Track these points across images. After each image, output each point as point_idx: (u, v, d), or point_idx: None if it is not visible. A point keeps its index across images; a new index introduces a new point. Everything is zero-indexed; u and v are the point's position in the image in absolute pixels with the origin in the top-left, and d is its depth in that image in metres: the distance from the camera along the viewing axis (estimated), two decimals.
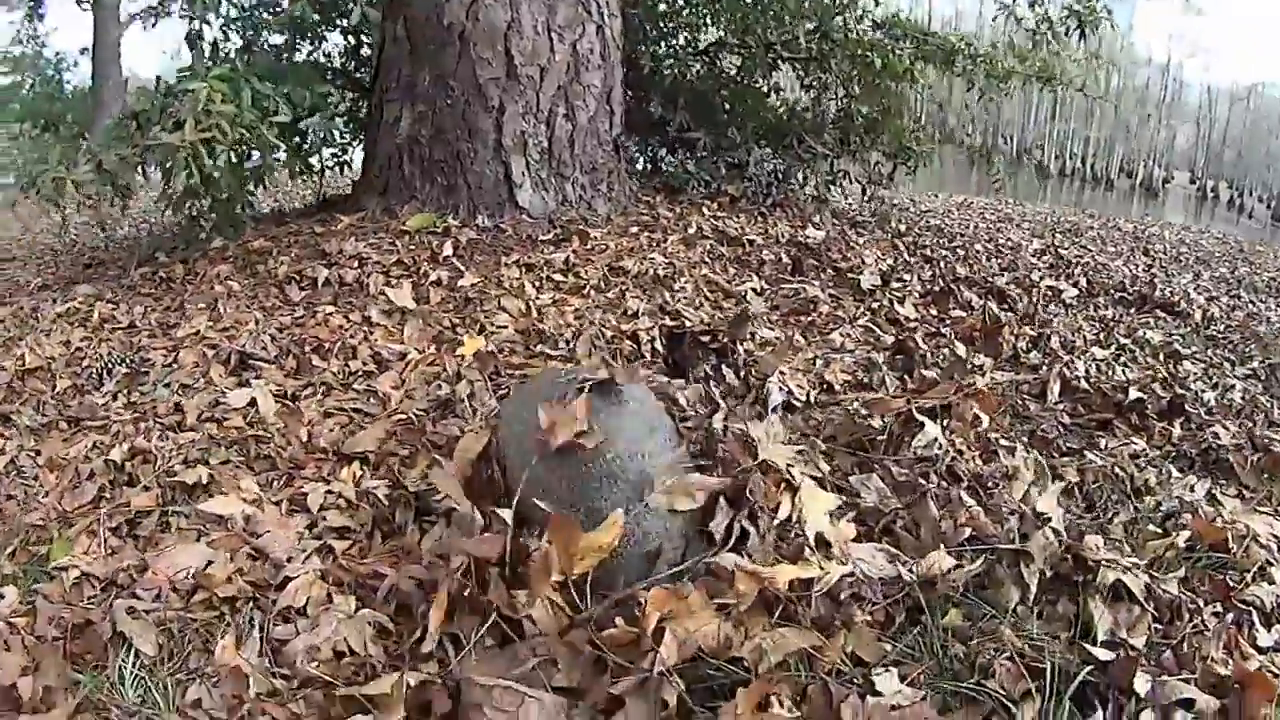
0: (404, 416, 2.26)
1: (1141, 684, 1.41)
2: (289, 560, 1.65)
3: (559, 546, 1.40)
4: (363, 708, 1.30)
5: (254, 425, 2.22)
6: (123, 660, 1.45)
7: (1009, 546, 1.72)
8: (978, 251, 5.19)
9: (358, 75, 4.45)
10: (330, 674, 1.39)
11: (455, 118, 3.68)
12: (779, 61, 5.37)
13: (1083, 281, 4.78)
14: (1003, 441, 2.32)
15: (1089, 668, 1.44)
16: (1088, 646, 1.50)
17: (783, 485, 1.64)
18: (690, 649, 1.39)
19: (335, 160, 4.66)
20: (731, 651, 1.42)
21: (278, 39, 3.92)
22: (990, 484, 2.09)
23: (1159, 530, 2.01)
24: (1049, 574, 1.71)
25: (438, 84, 3.68)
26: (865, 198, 5.72)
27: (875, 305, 3.54)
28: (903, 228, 5.43)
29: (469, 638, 1.42)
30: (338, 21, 4.34)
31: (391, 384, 2.45)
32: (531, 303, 3.01)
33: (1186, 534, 1.92)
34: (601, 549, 1.43)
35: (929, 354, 3.00)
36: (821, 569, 1.55)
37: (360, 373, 2.55)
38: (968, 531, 1.80)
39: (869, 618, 1.54)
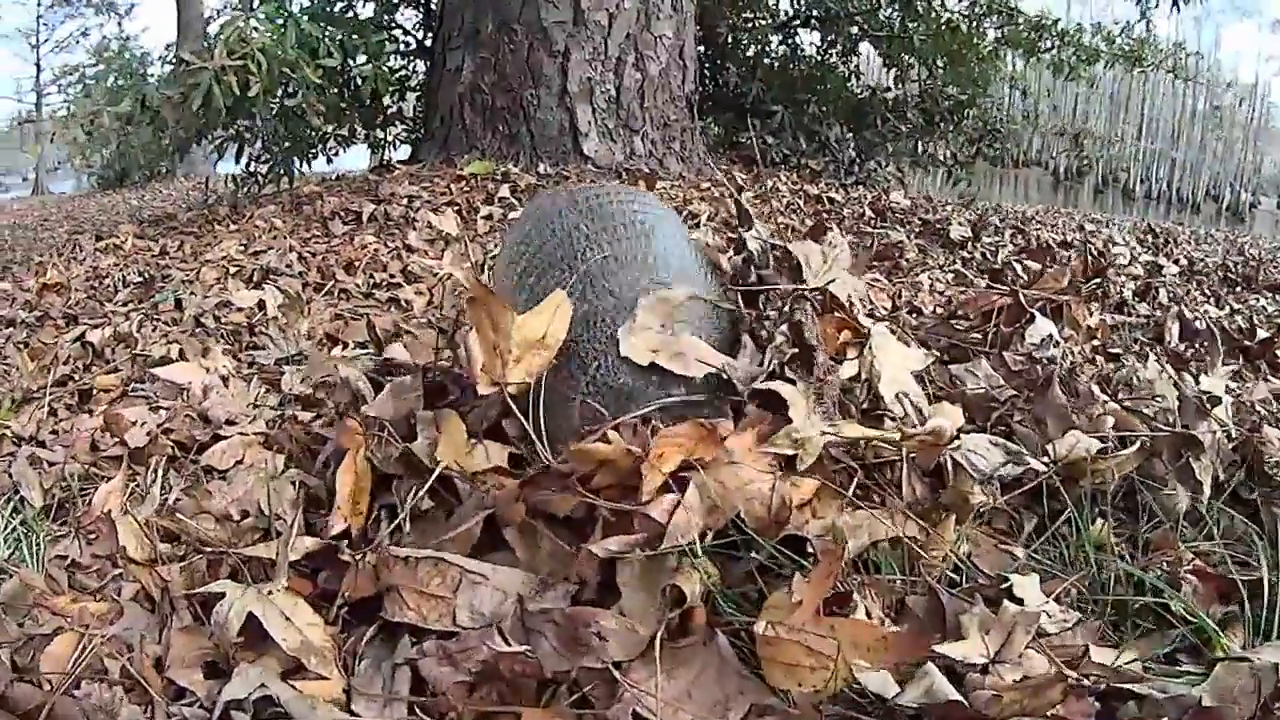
0: (421, 319, 1.88)
1: None
2: (230, 423, 1.25)
3: (482, 334, 0.93)
4: (248, 576, 0.89)
5: (255, 323, 1.87)
6: (1, 510, 1.08)
7: (1169, 430, 1.19)
8: (1069, 231, 4.61)
9: (427, 44, 4.19)
10: (226, 538, 0.97)
11: (519, 64, 3.35)
12: (859, 40, 4.93)
13: (1183, 261, 4.16)
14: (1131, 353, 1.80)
15: None
16: None
17: (847, 332, 1.15)
18: (723, 516, 0.91)
19: (408, 135, 4.41)
20: (790, 528, 0.91)
21: None
22: (1119, 388, 1.56)
23: None
24: (1220, 475, 1.19)
25: (501, 29, 3.36)
26: (950, 181, 5.20)
27: (966, 256, 3.02)
28: (992, 213, 4.88)
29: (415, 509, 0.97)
30: None
31: (416, 292, 2.07)
32: None
33: None
34: (545, 345, 0.96)
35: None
36: (907, 436, 1.06)
37: (385, 284, 2.18)
38: (1110, 422, 1.28)
39: (986, 502, 1.03)
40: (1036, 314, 1.67)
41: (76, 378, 1.63)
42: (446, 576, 0.87)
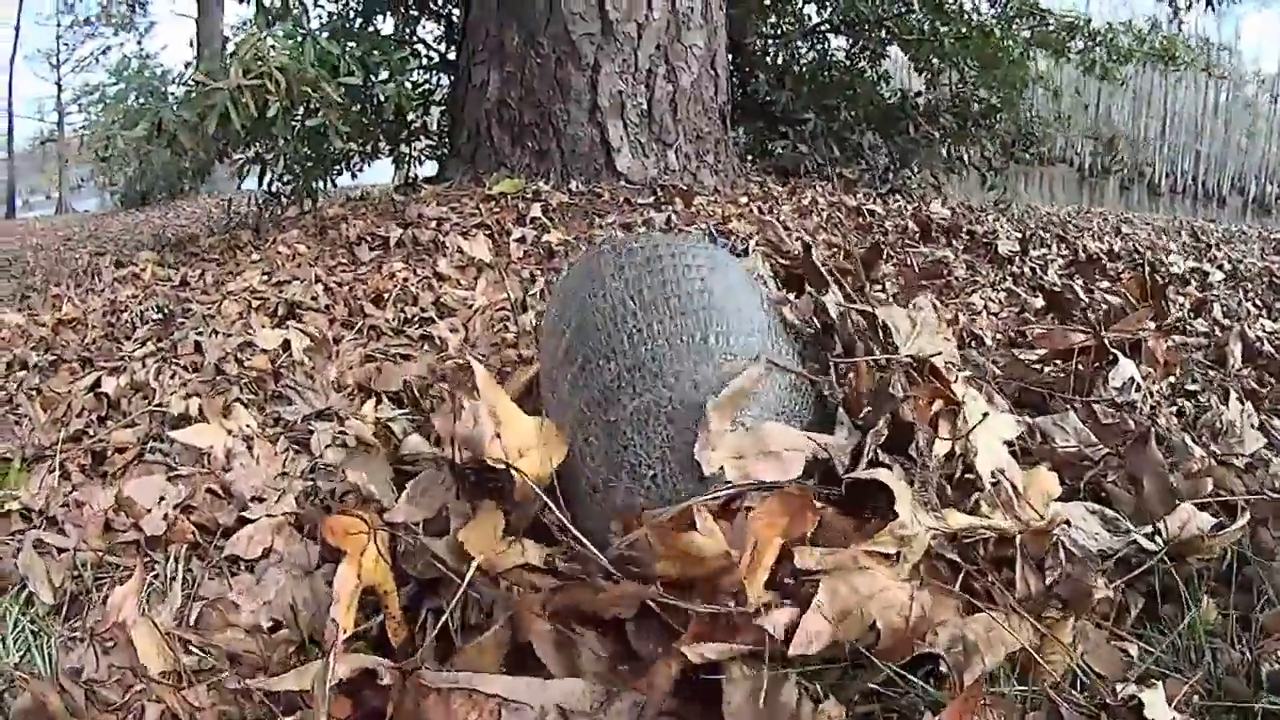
0: (458, 360, 1.77)
1: None
2: (257, 500, 1.15)
3: (485, 397, 0.84)
4: (286, 705, 0.78)
5: (281, 367, 1.77)
6: (8, 606, 0.98)
7: (1275, 496, 1.08)
8: (1109, 238, 4.46)
9: (451, 58, 4.10)
10: (257, 650, 0.87)
11: (547, 78, 3.24)
12: (888, 44, 4.80)
13: (1226, 265, 4.01)
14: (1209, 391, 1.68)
15: None
16: None
17: (939, 400, 1.03)
18: (856, 627, 0.78)
19: (433, 151, 4.32)
20: (920, 645, 0.79)
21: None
22: (1204, 435, 1.44)
23: None
24: None
25: (528, 43, 3.25)
26: (985, 186, 5.06)
27: (1016, 272, 2.89)
28: (1030, 219, 4.73)
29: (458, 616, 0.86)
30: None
31: (450, 328, 1.97)
32: None
33: None
34: (557, 440, 0.86)
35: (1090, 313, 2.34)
36: (1018, 520, 0.95)
37: (417, 319, 2.08)
38: (1209, 484, 1.16)
39: (1110, 597, 0.92)
40: (1119, 355, 1.55)
41: (90, 433, 1.54)
42: (484, 710, 0.76)
